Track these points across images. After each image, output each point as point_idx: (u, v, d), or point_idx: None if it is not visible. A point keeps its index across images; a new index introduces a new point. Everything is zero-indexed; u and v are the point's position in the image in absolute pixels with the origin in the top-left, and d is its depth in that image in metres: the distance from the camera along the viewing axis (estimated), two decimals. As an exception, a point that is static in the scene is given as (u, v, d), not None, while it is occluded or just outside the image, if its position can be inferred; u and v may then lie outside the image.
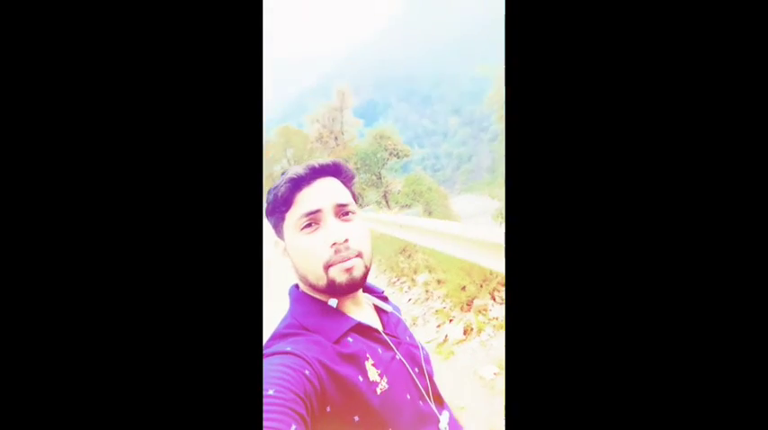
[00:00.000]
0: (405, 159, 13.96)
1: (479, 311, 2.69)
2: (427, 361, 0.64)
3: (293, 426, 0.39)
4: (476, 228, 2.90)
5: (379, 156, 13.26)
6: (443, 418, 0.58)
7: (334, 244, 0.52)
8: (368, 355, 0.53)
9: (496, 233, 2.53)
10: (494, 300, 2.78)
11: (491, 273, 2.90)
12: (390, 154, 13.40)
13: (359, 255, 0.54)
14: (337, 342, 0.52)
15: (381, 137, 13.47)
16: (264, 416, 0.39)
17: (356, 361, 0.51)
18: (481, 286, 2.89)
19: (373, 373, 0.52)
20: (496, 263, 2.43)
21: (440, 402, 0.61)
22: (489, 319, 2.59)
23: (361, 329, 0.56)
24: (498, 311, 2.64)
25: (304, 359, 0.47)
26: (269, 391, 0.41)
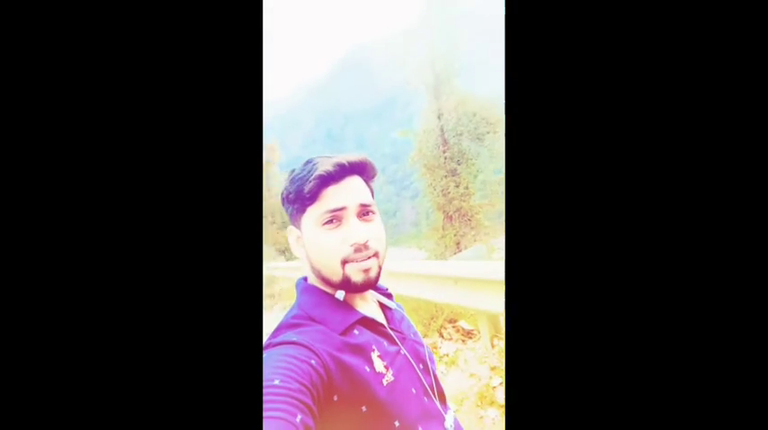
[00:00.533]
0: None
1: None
2: (431, 359, 0.62)
3: (299, 416, 0.38)
4: (418, 263, 2.94)
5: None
6: (449, 417, 0.57)
7: (354, 244, 0.52)
8: (374, 347, 0.53)
9: (439, 265, 2.59)
10: (441, 337, 2.75)
11: (437, 310, 2.90)
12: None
13: (375, 255, 0.54)
14: (344, 333, 0.52)
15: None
16: (270, 405, 0.38)
17: (363, 352, 0.51)
18: (429, 324, 2.86)
19: (379, 365, 0.51)
20: (444, 295, 2.45)
21: (443, 401, 0.60)
22: (440, 357, 2.53)
23: (367, 322, 0.56)
24: (448, 348, 2.60)
25: (310, 349, 0.46)
26: (275, 381, 0.40)
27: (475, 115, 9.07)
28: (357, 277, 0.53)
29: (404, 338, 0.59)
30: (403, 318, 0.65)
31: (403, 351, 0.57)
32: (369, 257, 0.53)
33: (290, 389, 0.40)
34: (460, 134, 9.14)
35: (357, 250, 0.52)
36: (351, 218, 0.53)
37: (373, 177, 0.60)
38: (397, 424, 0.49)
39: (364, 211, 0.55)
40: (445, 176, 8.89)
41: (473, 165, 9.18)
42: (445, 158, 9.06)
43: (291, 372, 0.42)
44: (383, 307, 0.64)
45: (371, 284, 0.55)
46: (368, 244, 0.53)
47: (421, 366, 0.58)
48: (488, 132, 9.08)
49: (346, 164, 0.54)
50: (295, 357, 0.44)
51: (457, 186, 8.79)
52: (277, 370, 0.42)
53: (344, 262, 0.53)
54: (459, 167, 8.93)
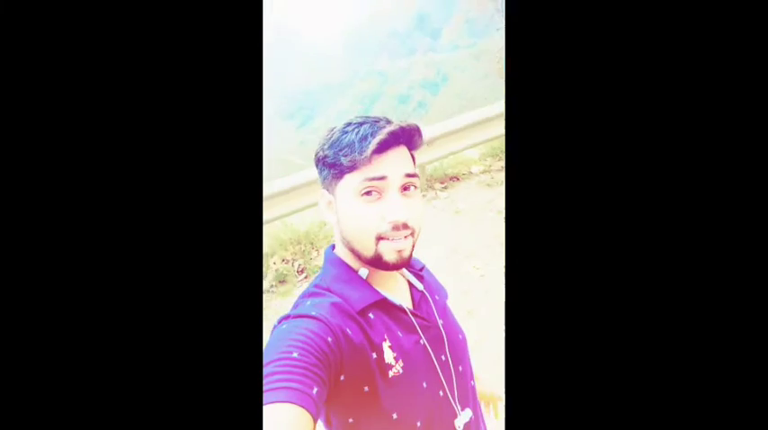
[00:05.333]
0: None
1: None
2: (462, 348, 0.60)
3: (315, 388, 0.40)
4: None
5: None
6: (463, 415, 0.55)
7: (392, 221, 0.49)
8: (386, 337, 0.51)
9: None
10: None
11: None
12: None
13: (412, 234, 0.51)
14: (360, 313, 0.51)
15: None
16: (287, 376, 0.39)
17: (372, 340, 0.50)
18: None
19: (389, 355, 0.50)
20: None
21: (465, 397, 0.57)
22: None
23: (386, 306, 0.54)
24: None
25: (328, 326, 0.46)
26: (293, 354, 0.41)
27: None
28: (390, 256, 0.50)
29: (428, 326, 0.56)
30: (436, 302, 0.61)
31: (423, 340, 0.54)
32: (405, 237, 0.50)
33: (307, 362, 0.41)
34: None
35: (395, 228, 0.49)
36: (392, 191, 0.50)
37: (419, 147, 0.54)
38: (395, 416, 0.48)
39: (407, 186, 0.51)
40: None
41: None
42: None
43: (309, 346, 0.43)
44: (412, 287, 0.60)
45: (403, 265, 0.52)
46: (407, 223, 0.50)
47: (443, 357, 0.55)
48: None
49: (399, 131, 0.49)
50: (313, 331, 0.45)
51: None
52: (296, 343, 0.43)
53: (379, 238, 0.50)
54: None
